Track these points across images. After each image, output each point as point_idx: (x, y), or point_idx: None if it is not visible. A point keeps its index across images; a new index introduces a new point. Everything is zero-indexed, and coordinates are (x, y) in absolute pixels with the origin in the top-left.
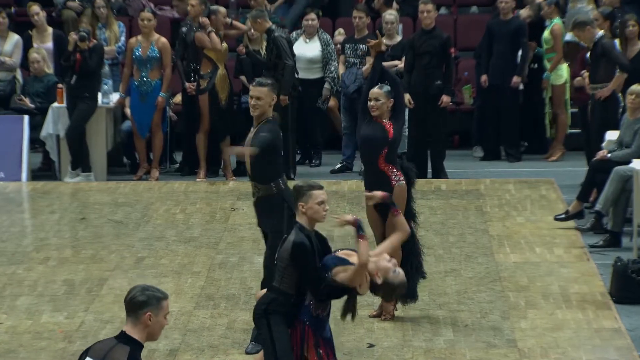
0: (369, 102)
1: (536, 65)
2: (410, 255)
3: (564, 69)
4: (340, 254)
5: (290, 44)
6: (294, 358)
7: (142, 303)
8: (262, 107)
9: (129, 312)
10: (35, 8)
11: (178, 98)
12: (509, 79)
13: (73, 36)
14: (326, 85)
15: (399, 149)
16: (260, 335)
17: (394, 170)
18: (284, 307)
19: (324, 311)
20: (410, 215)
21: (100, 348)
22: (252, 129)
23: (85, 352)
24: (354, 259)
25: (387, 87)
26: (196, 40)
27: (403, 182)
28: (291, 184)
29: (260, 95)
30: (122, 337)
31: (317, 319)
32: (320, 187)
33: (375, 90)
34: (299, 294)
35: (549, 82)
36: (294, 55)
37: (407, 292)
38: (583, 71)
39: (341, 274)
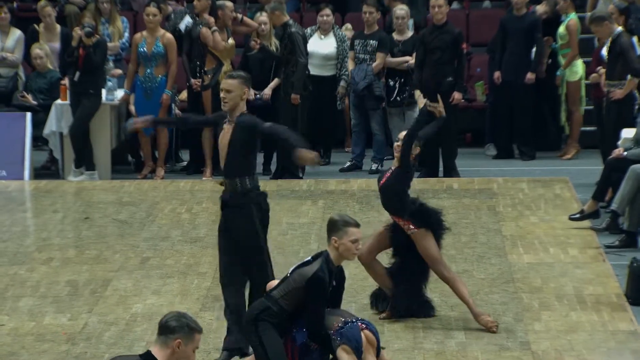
0: (395, 142)
1: (550, 61)
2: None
3: (579, 65)
4: (364, 334)
5: (305, 41)
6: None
7: (175, 328)
8: (232, 100)
9: (160, 334)
10: (48, 9)
11: (184, 95)
12: (523, 75)
13: (78, 31)
14: (342, 84)
15: None
16: (250, 342)
17: (399, 220)
18: (276, 319)
19: (316, 345)
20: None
21: None
22: (226, 124)
23: None
24: (368, 355)
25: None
26: (201, 37)
27: (415, 230)
28: (300, 183)
29: (230, 88)
30: (147, 357)
31: (308, 348)
32: (357, 225)
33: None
34: (294, 313)
35: (563, 79)
36: (307, 53)
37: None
38: (599, 67)
39: (345, 357)
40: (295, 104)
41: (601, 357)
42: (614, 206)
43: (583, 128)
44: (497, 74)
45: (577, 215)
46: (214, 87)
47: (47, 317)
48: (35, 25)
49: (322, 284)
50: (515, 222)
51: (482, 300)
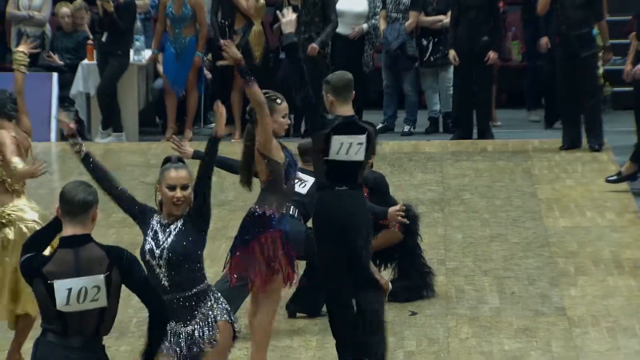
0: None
1: None
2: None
3: None
4: None
5: None
6: None
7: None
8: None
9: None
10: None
11: None
12: None
13: (97, 1)
14: (366, 26)
15: (440, 108)
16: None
17: None
18: None
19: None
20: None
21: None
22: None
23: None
24: None
25: None
26: None
27: None
28: None
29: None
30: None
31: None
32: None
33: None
34: None
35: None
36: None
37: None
38: None
39: None
40: (312, 54)
41: (639, 322)
42: None
43: (620, 89)
44: (544, 40)
45: (615, 178)
46: (244, 47)
47: None
48: None
49: None
50: (551, 185)
51: (516, 264)
